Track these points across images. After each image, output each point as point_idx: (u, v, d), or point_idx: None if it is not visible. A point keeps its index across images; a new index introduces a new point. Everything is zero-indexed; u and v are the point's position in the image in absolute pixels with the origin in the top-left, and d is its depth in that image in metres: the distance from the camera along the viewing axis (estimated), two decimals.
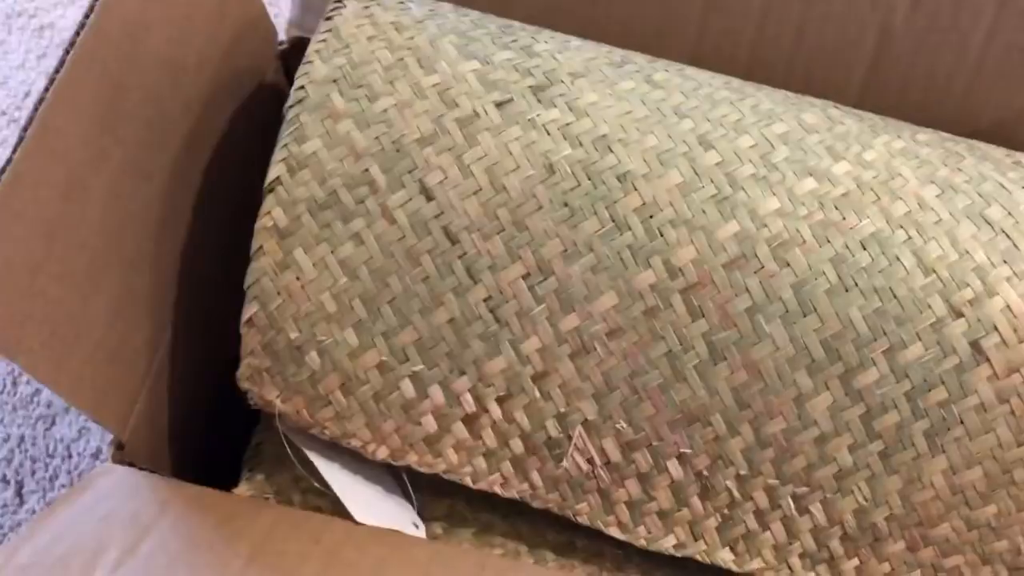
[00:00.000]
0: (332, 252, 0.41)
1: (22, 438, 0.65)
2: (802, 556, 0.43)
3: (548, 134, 0.42)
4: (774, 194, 0.41)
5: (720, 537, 0.43)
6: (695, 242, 0.41)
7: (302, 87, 0.42)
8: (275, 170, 0.41)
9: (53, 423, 0.65)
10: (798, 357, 0.40)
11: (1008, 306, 0.40)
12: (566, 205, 0.41)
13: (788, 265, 0.41)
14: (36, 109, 0.37)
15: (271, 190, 0.41)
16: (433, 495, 0.46)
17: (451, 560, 0.41)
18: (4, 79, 0.77)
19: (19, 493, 0.64)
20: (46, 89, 0.37)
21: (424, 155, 0.41)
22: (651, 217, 0.41)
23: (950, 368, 0.40)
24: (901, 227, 0.41)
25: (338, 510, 0.42)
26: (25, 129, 0.37)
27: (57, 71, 0.38)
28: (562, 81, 0.43)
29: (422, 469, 0.43)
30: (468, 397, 0.41)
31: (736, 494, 0.42)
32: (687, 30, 0.52)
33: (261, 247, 0.41)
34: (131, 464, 0.42)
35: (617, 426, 0.41)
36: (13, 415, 0.65)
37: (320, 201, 0.41)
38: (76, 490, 0.40)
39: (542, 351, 0.41)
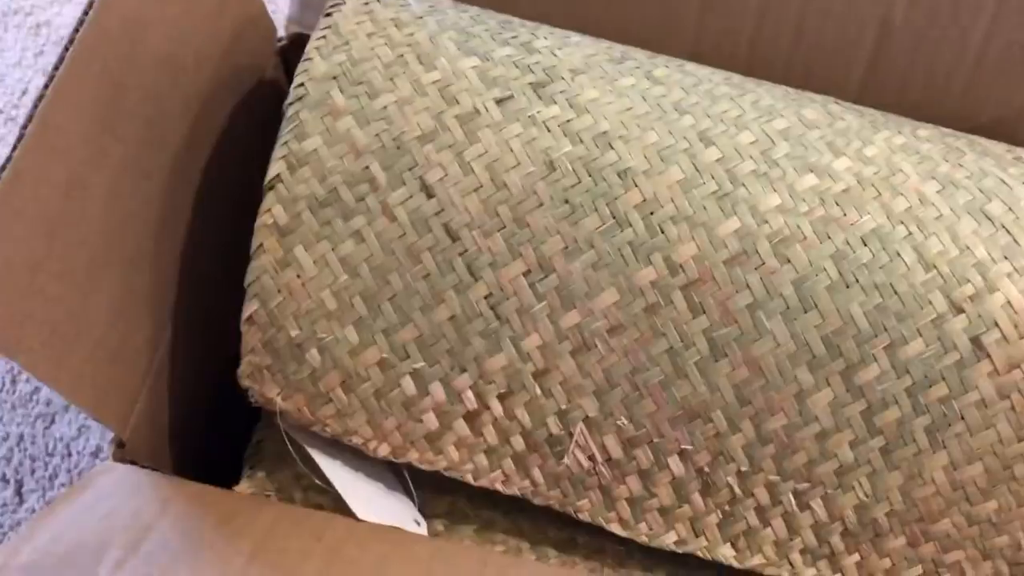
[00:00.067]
0: (333, 249, 0.41)
1: (21, 436, 0.65)
2: (803, 552, 0.43)
3: (548, 131, 0.42)
4: (775, 190, 0.41)
5: (721, 533, 0.43)
6: (696, 238, 0.41)
7: (302, 84, 0.42)
8: (275, 167, 0.41)
9: (53, 421, 0.65)
10: (799, 353, 0.40)
11: (1009, 302, 0.40)
12: (567, 202, 0.41)
13: (789, 261, 0.41)
14: (35, 107, 0.37)
15: (271, 188, 0.41)
16: (434, 492, 0.46)
17: (453, 557, 0.41)
18: (1, 77, 0.77)
19: (19, 492, 0.64)
20: (45, 87, 0.37)
21: (424, 152, 0.41)
22: (652, 214, 0.41)
23: (951, 364, 0.40)
24: (902, 223, 0.41)
25: (340, 507, 0.42)
26: (25, 127, 0.37)
27: (56, 68, 0.38)
28: (562, 77, 0.43)
29: (423, 466, 0.43)
30: (469, 394, 0.41)
31: (737, 490, 0.42)
32: (685, 30, 0.52)
33: (261, 245, 0.41)
34: (132, 462, 0.42)
35: (618, 423, 0.42)
36: (12, 413, 0.65)
37: (320, 198, 0.41)
38: (77, 489, 0.40)
39: (543, 348, 0.41)
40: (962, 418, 0.40)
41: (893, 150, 0.44)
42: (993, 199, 0.42)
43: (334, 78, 0.42)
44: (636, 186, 0.41)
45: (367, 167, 0.41)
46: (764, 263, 0.41)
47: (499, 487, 0.43)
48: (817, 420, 0.41)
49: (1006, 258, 0.41)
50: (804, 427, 0.41)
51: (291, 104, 0.42)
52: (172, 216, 0.46)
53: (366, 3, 0.45)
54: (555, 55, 0.44)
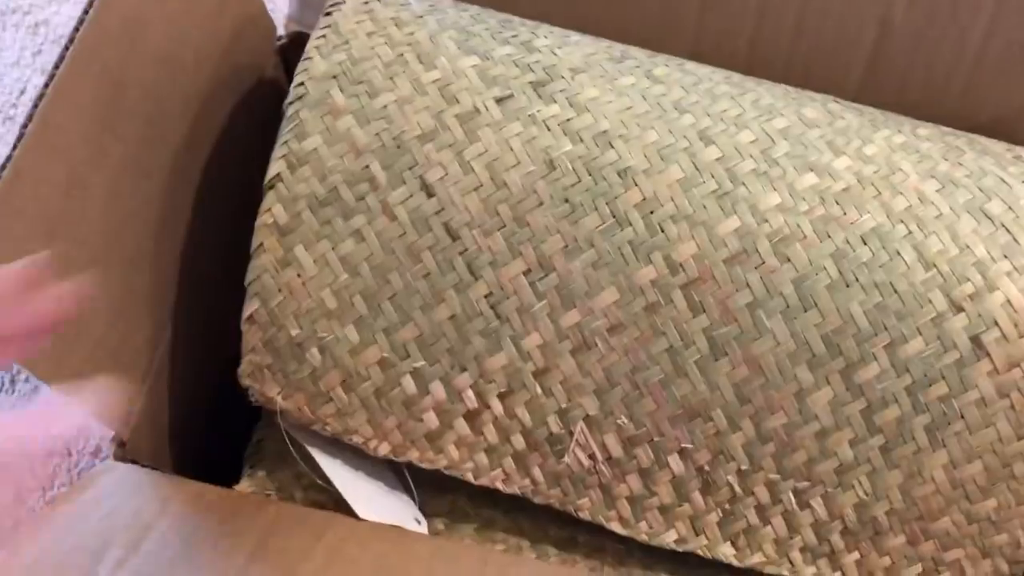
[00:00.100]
0: (333, 249, 0.41)
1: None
2: (803, 550, 0.43)
3: (548, 130, 0.42)
4: (775, 189, 0.41)
5: (721, 532, 0.43)
6: (696, 238, 0.41)
7: (302, 83, 0.42)
8: (275, 167, 0.41)
9: None
10: (799, 352, 0.40)
11: (1008, 301, 0.40)
12: (567, 201, 0.41)
13: (789, 260, 0.41)
14: (36, 106, 0.37)
15: (271, 187, 0.41)
16: (435, 491, 0.46)
17: (453, 556, 0.41)
18: None
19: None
20: (46, 86, 0.37)
21: (425, 151, 0.41)
22: (652, 213, 0.41)
23: (951, 363, 0.40)
24: (902, 222, 0.41)
25: (340, 506, 0.42)
26: (25, 126, 0.37)
27: (57, 67, 0.38)
28: (562, 77, 0.43)
29: (424, 465, 0.43)
30: (470, 393, 0.41)
31: (737, 489, 0.42)
32: (684, 29, 0.52)
33: (262, 244, 0.41)
34: (133, 462, 0.42)
35: (618, 422, 0.42)
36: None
37: (321, 198, 0.41)
38: (77, 488, 0.40)
39: (543, 347, 0.41)
40: (962, 417, 0.40)
41: (893, 149, 0.44)
42: (993, 198, 0.43)
43: (334, 77, 0.42)
44: (636, 185, 0.41)
45: (367, 166, 0.41)
46: (764, 262, 0.41)
47: (499, 486, 0.43)
48: (817, 419, 0.41)
49: (1006, 257, 0.41)
50: (804, 426, 0.41)
51: (291, 103, 0.42)
52: (172, 215, 0.46)
53: (366, 2, 0.45)
54: (555, 54, 0.44)
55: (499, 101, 0.42)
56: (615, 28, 0.50)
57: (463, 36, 0.44)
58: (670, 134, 0.42)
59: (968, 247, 0.41)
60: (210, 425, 0.49)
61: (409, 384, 0.41)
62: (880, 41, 0.51)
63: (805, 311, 0.40)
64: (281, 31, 0.54)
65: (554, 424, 0.42)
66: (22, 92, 0.76)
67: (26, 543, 0.37)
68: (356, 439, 0.42)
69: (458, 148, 0.41)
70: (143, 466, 0.42)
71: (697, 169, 0.41)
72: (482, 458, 0.42)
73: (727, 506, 0.42)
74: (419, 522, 0.44)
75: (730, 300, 0.40)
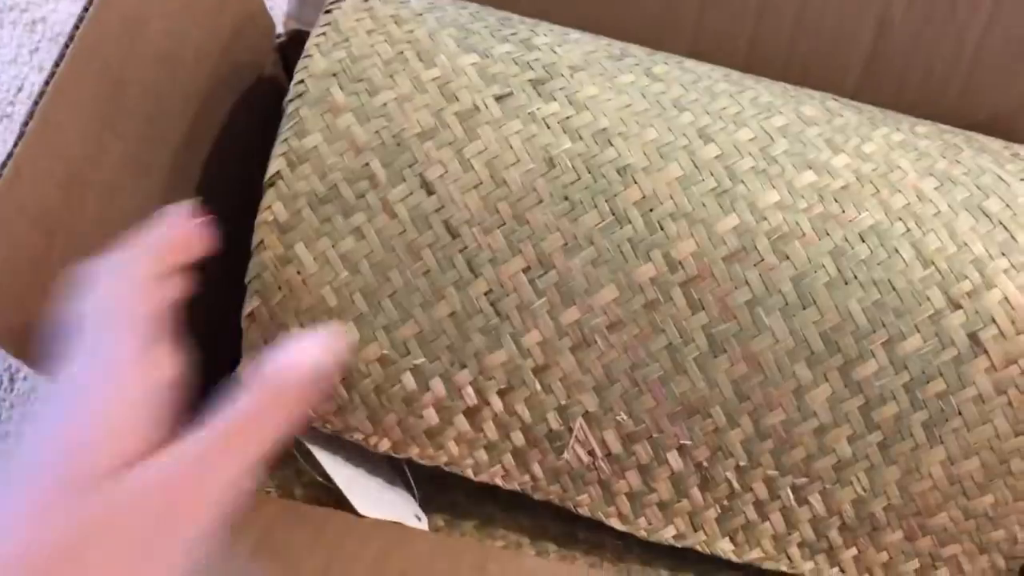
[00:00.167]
0: (333, 246, 0.41)
1: (20, 435, 0.65)
2: (801, 546, 0.43)
3: (548, 128, 0.42)
4: (774, 187, 0.41)
5: (720, 528, 0.43)
6: (695, 235, 0.41)
7: (302, 81, 0.42)
8: (275, 164, 0.41)
9: None
10: (797, 349, 0.41)
11: (1006, 298, 0.41)
12: (566, 199, 0.41)
13: (788, 258, 0.41)
14: (36, 104, 0.37)
15: (271, 184, 0.41)
16: (435, 488, 0.46)
17: (453, 552, 0.41)
18: None
19: None
20: (46, 84, 0.37)
21: (424, 149, 0.41)
22: (651, 210, 0.41)
23: (948, 360, 0.40)
24: (900, 219, 0.42)
25: (340, 504, 0.42)
26: (25, 124, 0.37)
27: (56, 66, 0.38)
28: (562, 74, 0.43)
29: (424, 462, 0.43)
30: (469, 390, 0.42)
31: (736, 485, 0.42)
32: (684, 28, 0.52)
33: (262, 241, 0.41)
34: None
35: (618, 418, 0.42)
36: (11, 412, 0.65)
37: (321, 195, 0.41)
38: None
39: (543, 344, 0.41)
40: (959, 413, 0.41)
41: (891, 147, 0.44)
42: (991, 195, 0.43)
43: (334, 75, 0.42)
44: (635, 183, 0.41)
45: (367, 164, 0.41)
46: (763, 259, 0.41)
47: (499, 482, 0.43)
48: (815, 415, 0.41)
49: (1003, 254, 0.41)
50: (802, 422, 0.41)
51: (291, 101, 0.42)
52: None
53: (366, 0, 0.45)
54: (554, 52, 0.44)
55: (499, 99, 0.42)
56: (614, 26, 0.50)
57: (463, 34, 0.44)
58: (669, 132, 0.42)
59: (966, 244, 0.41)
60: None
61: (409, 381, 0.42)
62: (878, 40, 0.51)
63: (804, 308, 0.41)
64: (280, 29, 0.54)
65: (553, 420, 0.42)
66: (19, 90, 0.76)
67: None
68: (356, 436, 0.43)
69: (458, 146, 0.41)
70: None
71: (696, 167, 0.41)
72: (482, 454, 0.43)
73: (725, 502, 0.43)
74: (419, 519, 0.45)
75: (729, 297, 0.41)
